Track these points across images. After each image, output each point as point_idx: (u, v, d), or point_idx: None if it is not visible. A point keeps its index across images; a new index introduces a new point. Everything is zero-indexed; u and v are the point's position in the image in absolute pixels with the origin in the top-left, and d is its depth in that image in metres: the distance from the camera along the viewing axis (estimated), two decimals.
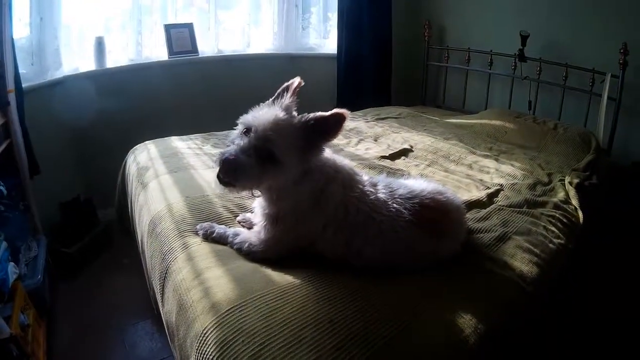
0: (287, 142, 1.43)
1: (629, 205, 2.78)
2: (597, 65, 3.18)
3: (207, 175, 2.25)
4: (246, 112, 1.51)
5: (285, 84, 1.61)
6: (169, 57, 3.69)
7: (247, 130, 1.45)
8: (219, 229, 1.73)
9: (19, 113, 2.68)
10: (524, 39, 3.46)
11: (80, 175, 3.51)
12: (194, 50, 3.78)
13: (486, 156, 2.85)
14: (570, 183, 2.45)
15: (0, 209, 2.41)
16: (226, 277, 1.46)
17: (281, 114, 1.46)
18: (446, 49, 4.28)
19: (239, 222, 1.88)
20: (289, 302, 1.34)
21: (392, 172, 2.45)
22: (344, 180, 1.58)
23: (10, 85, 2.58)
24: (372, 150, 2.86)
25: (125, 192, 2.62)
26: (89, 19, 3.43)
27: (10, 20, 2.60)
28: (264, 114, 1.46)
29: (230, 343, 1.20)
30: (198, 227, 1.77)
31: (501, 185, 2.39)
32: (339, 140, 2.97)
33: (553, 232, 1.98)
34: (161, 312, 1.67)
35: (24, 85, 2.79)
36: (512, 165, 2.71)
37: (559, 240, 1.93)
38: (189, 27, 3.78)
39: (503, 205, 2.15)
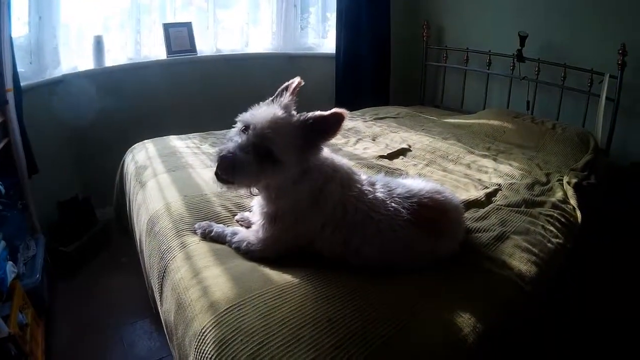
0: (286, 140, 1.44)
1: (627, 206, 2.78)
2: (595, 65, 3.18)
3: (206, 174, 2.25)
4: (245, 111, 1.51)
5: (286, 83, 1.61)
6: (167, 56, 3.68)
7: (246, 128, 1.45)
8: (217, 227, 1.73)
9: (17, 112, 2.67)
10: (522, 39, 3.46)
11: (78, 174, 3.51)
12: (193, 49, 3.77)
13: (484, 156, 2.85)
14: (569, 183, 2.45)
15: None
16: (224, 276, 1.46)
17: (280, 113, 1.47)
18: (445, 49, 4.28)
19: (238, 221, 1.88)
20: (288, 301, 1.34)
21: (390, 172, 2.45)
22: (343, 180, 1.58)
23: (9, 84, 2.58)
24: (370, 150, 2.86)
25: (123, 191, 2.61)
26: (88, 17, 3.42)
27: (9, 19, 2.60)
28: (262, 112, 1.47)
29: (229, 342, 1.20)
30: (196, 226, 1.77)
31: (499, 184, 2.39)
32: (337, 140, 2.97)
33: (551, 231, 1.98)
34: (160, 311, 1.67)
35: (22, 84, 2.78)
36: (510, 165, 2.71)
37: (557, 240, 1.93)
38: (188, 26, 3.77)
39: (501, 205, 2.15)
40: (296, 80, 1.61)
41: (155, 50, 3.72)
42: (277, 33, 4.22)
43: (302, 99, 1.58)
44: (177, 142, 2.82)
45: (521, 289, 1.60)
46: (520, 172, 2.59)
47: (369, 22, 4.22)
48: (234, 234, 1.69)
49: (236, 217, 1.90)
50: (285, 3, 4.11)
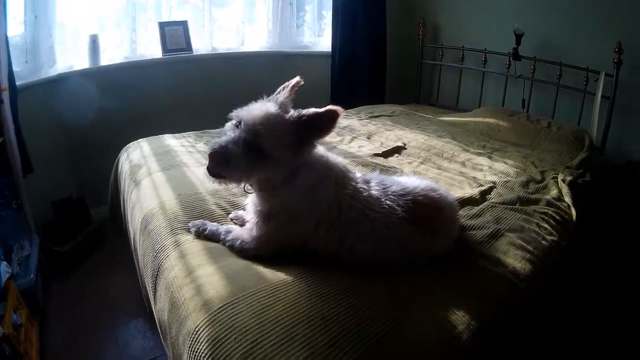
0: (277, 136, 1.44)
1: (622, 204, 2.79)
2: (591, 64, 3.19)
3: (200, 173, 2.25)
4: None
5: (286, 83, 1.62)
6: (163, 55, 3.68)
7: (239, 124, 1.46)
8: (211, 226, 1.73)
9: (13, 111, 2.66)
10: (518, 37, 3.46)
11: (73, 173, 3.50)
12: (188, 48, 3.77)
13: (479, 154, 2.85)
14: (564, 180, 2.45)
15: None
16: (218, 275, 1.46)
17: (273, 109, 1.47)
18: (440, 47, 4.29)
19: (232, 220, 1.88)
20: (281, 300, 1.34)
21: (385, 170, 2.45)
22: (337, 178, 1.58)
23: (4, 83, 2.57)
24: (365, 148, 2.86)
25: (118, 190, 2.61)
26: (84, 16, 3.41)
27: (5, 18, 2.60)
28: (255, 108, 1.48)
29: (223, 341, 1.20)
30: (190, 224, 1.77)
31: (494, 182, 2.39)
32: (332, 138, 2.97)
33: (546, 229, 1.98)
34: (153, 310, 1.66)
35: (17, 83, 2.77)
36: (505, 162, 2.71)
37: (551, 238, 1.93)
38: (184, 24, 3.76)
39: (496, 203, 2.15)
40: (295, 79, 1.61)
41: (151, 49, 3.72)
42: (273, 31, 4.21)
43: (298, 97, 1.59)
44: (172, 141, 2.81)
45: (516, 286, 1.60)
46: (515, 170, 2.60)
47: (365, 20, 4.22)
48: (228, 232, 1.69)
49: (230, 216, 1.90)
50: (281, 1, 4.10)
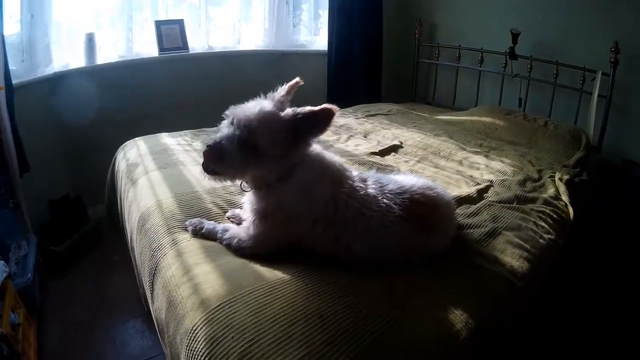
0: (272, 134, 1.45)
1: (619, 203, 2.79)
2: (588, 63, 3.19)
3: (197, 172, 2.23)
4: None
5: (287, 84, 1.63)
6: (159, 54, 3.67)
7: (234, 121, 1.46)
8: (208, 224, 1.73)
9: (9, 110, 2.66)
10: (514, 36, 3.46)
11: (69, 172, 3.49)
12: (185, 46, 3.76)
13: (476, 152, 2.85)
14: (561, 179, 2.46)
15: None
16: (215, 273, 1.46)
17: (268, 107, 1.48)
18: (437, 46, 4.28)
19: (228, 218, 1.88)
20: (279, 298, 1.34)
21: (382, 168, 2.45)
22: (334, 176, 1.58)
23: (0, 82, 2.57)
24: (362, 147, 2.86)
25: (114, 188, 2.60)
26: (80, 15, 3.40)
27: (1, 17, 2.60)
28: (250, 105, 1.49)
29: (220, 339, 1.20)
30: (187, 223, 1.77)
31: (491, 181, 2.39)
32: (328, 137, 2.98)
33: (543, 227, 1.98)
34: (151, 309, 1.66)
35: (14, 81, 2.76)
36: (502, 161, 2.71)
37: (549, 236, 1.94)
38: (180, 23, 3.76)
39: (493, 201, 2.15)
40: (295, 79, 1.63)
41: (147, 47, 3.71)
42: (269, 30, 4.21)
43: (295, 95, 1.60)
44: (169, 140, 2.81)
45: (513, 284, 1.60)
46: (512, 168, 2.60)
47: (361, 19, 4.22)
48: (225, 230, 1.69)
49: (227, 214, 1.90)
50: (277, 0, 4.09)
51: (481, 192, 2.25)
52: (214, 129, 2.83)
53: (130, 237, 2.05)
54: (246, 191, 1.65)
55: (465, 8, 4.12)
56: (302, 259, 1.56)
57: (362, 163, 2.53)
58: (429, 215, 1.60)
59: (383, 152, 2.78)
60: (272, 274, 1.46)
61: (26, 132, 2.86)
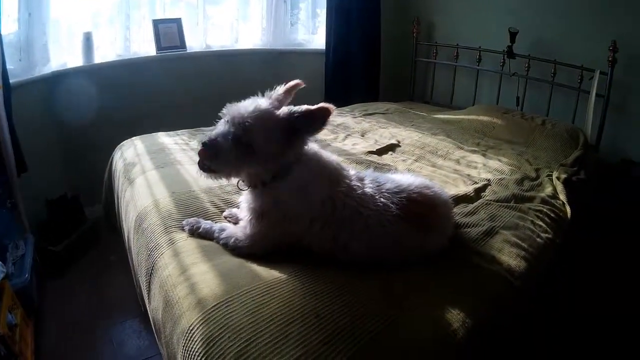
0: (267, 132, 1.45)
1: (617, 202, 2.79)
2: (585, 62, 3.19)
3: (194, 171, 2.22)
4: None
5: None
6: (157, 53, 3.67)
7: (230, 119, 1.47)
8: (205, 224, 1.73)
9: (6, 109, 2.65)
10: (512, 35, 3.46)
11: (67, 172, 3.48)
12: (182, 45, 3.76)
13: (474, 151, 2.85)
14: (558, 178, 2.46)
15: None
16: (212, 273, 1.45)
17: (263, 105, 1.48)
18: (435, 45, 4.28)
19: (225, 218, 1.87)
20: (276, 298, 1.33)
21: (380, 167, 2.44)
22: (331, 175, 1.58)
23: None
24: (359, 146, 2.86)
25: (112, 188, 2.60)
26: (77, 14, 3.40)
27: None
28: (247, 103, 1.49)
29: (217, 339, 1.19)
30: (184, 222, 1.76)
31: (489, 180, 2.39)
32: (326, 136, 2.98)
33: (540, 226, 1.98)
34: (148, 309, 1.66)
35: (11, 81, 2.76)
36: (499, 160, 2.71)
37: (546, 235, 1.94)
38: (177, 22, 3.75)
39: (490, 200, 2.15)
40: (295, 81, 1.63)
41: (145, 46, 3.71)
42: (267, 29, 4.21)
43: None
44: (166, 139, 2.81)
45: (510, 283, 1.60)
46: (510, 167, 2.60)
47: (359, 18, 4.21)
48: (222, 230, 1.68)
49: (224, 214, 1.89)
50: None
51: (478, 191, 2.25)
52: (211, 128, 2.85)
53: (128, 236, 2.05)
54: (243, 190, 1.65)
55: (463, 7, 4.12)
56: (299, 259, 1.55)
57: (359, 162, 2.52)
58: (427, 214, 1.59)
59: (380, 151, 2.78)
60: (269, 274, 1.46)
61: (24, 131, 2.85)
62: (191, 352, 1.20)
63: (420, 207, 1.58)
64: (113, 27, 3.57)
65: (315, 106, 1.43)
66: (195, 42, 3.90)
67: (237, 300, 1.31)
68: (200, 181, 2.05)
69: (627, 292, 2.50)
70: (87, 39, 3.37)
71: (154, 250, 1.67)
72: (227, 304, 1.30)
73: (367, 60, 4.36)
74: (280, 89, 1.58)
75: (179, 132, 2.98)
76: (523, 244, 1.80)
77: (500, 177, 2.45)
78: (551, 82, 3.42)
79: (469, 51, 3.98)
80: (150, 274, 1.63)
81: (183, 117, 3.45)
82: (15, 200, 2.76)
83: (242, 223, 1.65)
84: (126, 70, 3.57)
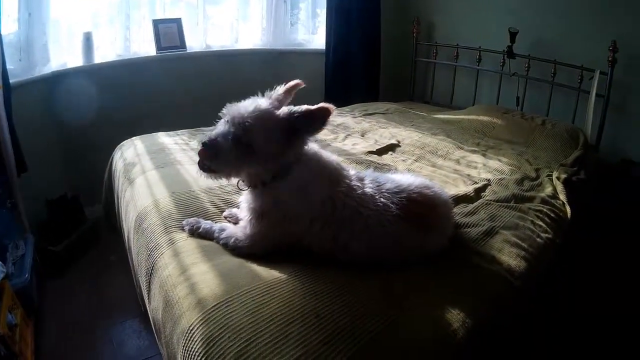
0: (266, 132, 1.45)
1: (617, 202, 2.79)
2: (585, 62, 3.19)
3: (194, 171, 2.23)
4: None
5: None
6: (157, 53, 3.67)
7: (230, 119, 1.47)
8: (205, 224, 1.73)
9: (6, 109, 2.65)
10: (512, 35, 3.46)
11: (67, 172, 3.48)
12: (182, 45, 3.76)
13: (474, 151, 2.85)
14: (558, 178, 2.46)
15: None
16: (212, 273, 1.45)
17: (263, 105, 1.48)
18: (435, 45, 4.28)
19: (225, 218, 1.87)
20: (276, 298, 1.33)
21: (380, 167, 2.44)
22: (331, 175, 1.58)
23: None
24: (359, 146, 2.86)
25: (112, 188, 2.60)
26: (77, 14, 3.40)
27: None
28: (246, 103, 1.50)
29: (217, 339, 1.19)
30: (184, 222, 1.76)
31: (489, 180, 2.39)
32: (326, 136, 2.98)
33: (540, 226, 1.98)
34: (148, 309, 1.66)
35: (11, 81, 2.76)
36: (499, 160, 2.71)
37: (546, 235, 1.94)
38: (177, 22, 3.75)
39: (490, 200, 2.15)
40: (295, 81, 1.63)
41: (145, 46, 3.71)
42: (267, 29, 4.21)
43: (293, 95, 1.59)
44: (166, 139, 2.80)
45: (510, 283, 1.60)
46: (510, 167, 2.60)
47: (359, 18, 4.21)
48: (222, 230, 1.68)
49: (224, 214, 1.89)
50: None
51: (478, 191, 2.25)
52: (211, 128, 2.84)
53: (128, 236, 2.05)
54: (243, 190, 1.65)
55: (463, 7, 4.12)
56: (299, 259, 1.55)
57: (359, 162, 2.52)
58: (427, 214, 1.59)
59: (380, 151, 2.78)
60: (268, 274, 1.46)
61: (23, 131, 2.85)
62: (191, 352, 1.20)
63: (420, 207, 1.58)
64: (113, 27, 3.57)
65: (315, 106, 1.43)
66: (195, 42, 3.90)
67: (237, 300, 1.31)
68: (200, 181, 2.05)
69: (627, 292, 2.49)
70: (87, 39, 3.37)
71: (154, 250, 1.67)
72: (227, 304, 1.29)
73: (367, 60, 4.36)
74: (280, 89, 1.58)
75: (179, 132, 2.97)
76: (523, 244, 1.80)
77: (500, 177, 2.45)
78: (551, 82, 3.41)
79: (469, 51, 3.97)
80: (150, 274, 1.63)
81: (183, 117, 3.45)
82: (15, 200, 2.76)
83: (242, 223, 1.65)
84: (126, 70, 3.57)
